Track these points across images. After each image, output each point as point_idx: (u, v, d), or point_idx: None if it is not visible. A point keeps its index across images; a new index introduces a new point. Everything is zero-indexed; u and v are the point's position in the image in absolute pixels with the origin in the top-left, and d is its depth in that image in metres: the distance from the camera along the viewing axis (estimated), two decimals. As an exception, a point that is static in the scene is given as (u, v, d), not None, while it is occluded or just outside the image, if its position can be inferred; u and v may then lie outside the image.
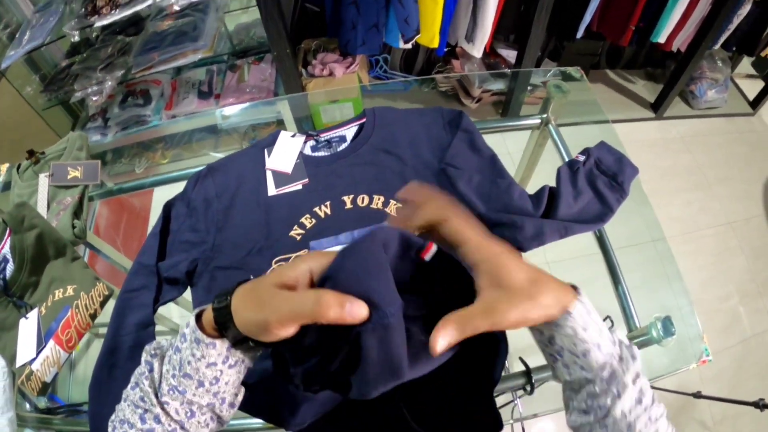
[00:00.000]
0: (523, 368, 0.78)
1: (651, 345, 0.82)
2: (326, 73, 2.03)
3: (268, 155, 0.94)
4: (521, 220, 0.79)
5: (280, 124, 2.24)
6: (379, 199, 0.86)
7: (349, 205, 0.86)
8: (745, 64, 3.00)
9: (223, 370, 0.47)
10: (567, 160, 1.10)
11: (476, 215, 0.80)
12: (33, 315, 0.92)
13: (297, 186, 0.90)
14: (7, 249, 0.95)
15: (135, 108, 2.18)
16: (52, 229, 0.98)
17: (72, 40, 1.76)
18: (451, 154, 0.89)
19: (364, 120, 0.96)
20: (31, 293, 0.94)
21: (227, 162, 0.95)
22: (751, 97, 2.83)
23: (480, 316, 0.45)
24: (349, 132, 0.96)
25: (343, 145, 0.95)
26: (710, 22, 2.13)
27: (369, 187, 0.87)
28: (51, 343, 0.88)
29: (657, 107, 2.65)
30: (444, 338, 0.44)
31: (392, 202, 0.85)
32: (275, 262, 0.81)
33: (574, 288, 0.50)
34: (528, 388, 0.77)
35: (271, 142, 0.96)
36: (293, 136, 0.96)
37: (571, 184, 0.89)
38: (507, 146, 1.88)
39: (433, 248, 0.50)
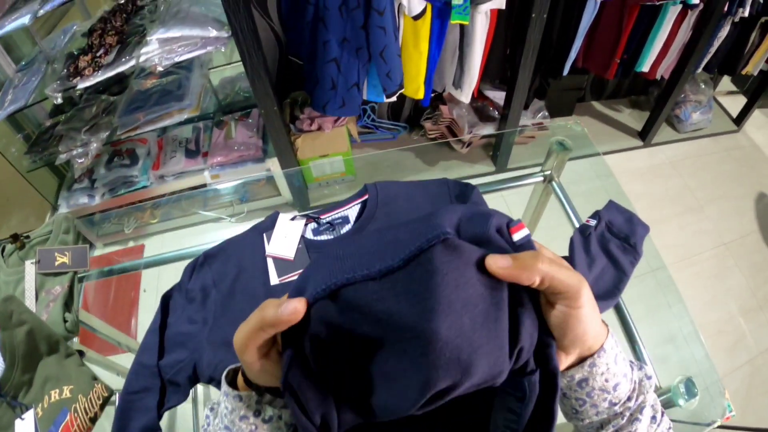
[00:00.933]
0: None
1: (673, 406, 0.79)
2: (315, 128, 2.01)
3: (268, 240, 0.89)
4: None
5: (270, 180, 2.23)
6: None
7: None
8: (726, 81, 3.07)
9: (257, 425, 0.46)
10: (569, 210, 1.09)
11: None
12: (29, 416, 0.86)
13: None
14: None
15: (121, 169, 2.13)
16: (42, 324, 0.93)
17: (55, 102, 1.73)
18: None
19: (366, 197, 0.91)
20: (26, 392, 0.89)
21: (225, 248, 0.90)
22: (735, 113, 2.89)
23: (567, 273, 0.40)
24: (352, 212, 0.91)
25: (347, 227, 0.89)
26: (692, 47, 2.17)
27: None
28: (51, 450, 0.83)
29: (644, 135, 2.68)
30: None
31: None
32: None
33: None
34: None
35: (269, 225, 0.91)
36: (293, 219, 0.90)
37: (585, 251, 0.87)
38: (506, 201, 1.88)
39: (526, 231, 0.41)
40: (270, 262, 0.86)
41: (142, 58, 1.65)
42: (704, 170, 2.67)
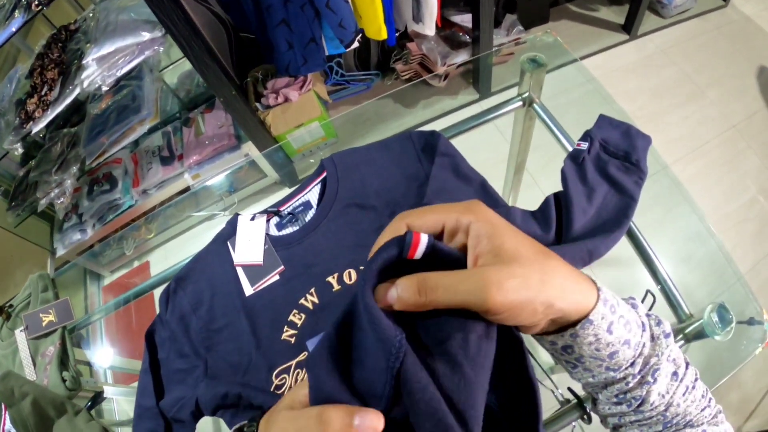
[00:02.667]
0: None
1: (705, 338, 0.71)
2: (281, 101, 1.91)
3: (233, 249, 0.81)
4: None
5: (253, 165, 2.15)
6: None
7: (336, 287, 0.73)
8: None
9: None
10: (557, 133, 0.99)
11: None
12: None
13: (274, 277, 0.77)
14: (9, 425, 0.89)
15: (103, 195, 2.07)
16: (44, 390, 0.91)
17: (16, 153, 1.67)
18: (435, 188, 0.75)
19: (324, 174, 0.82)
20: None
21: (193, 267, 0.83)
22: (720, -14, 2.70)
23: (462, 283, 0.34)
24: (312, 194, 0.82)
25: (310, 213, 0.81)
26: None
27: (352, 259, 0.74)
28: None
29: (628, 27, 2.53)
30: (398, 290, 0.35)
31: None
32: (276, 376, 0.70)
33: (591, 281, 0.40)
34: (585, 418, 0.67)
35: (231, 232, 0.83)
36: (252, 218, 0.82)
37: (580, 181, 0.78)
38: (497, 127, 1.77)
39: (423, 241, 0.36)
40: (240, 271, 0.80)
41: (85, 84, 1.58)
42: (698, 53, 2.53)
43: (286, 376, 0.69)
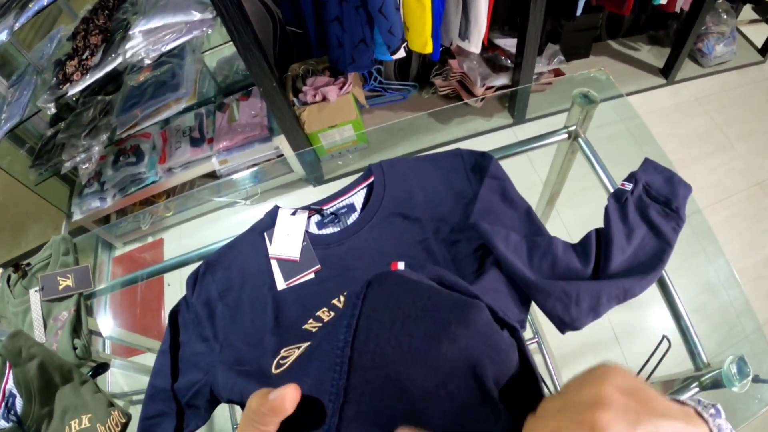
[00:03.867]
0: None
1: (720, 388, 0.70)
2: (319, 99, 1.92)
3: (269, 240, 0.81)
4: (576, 289, 0.67)
5: (281, 159, 2.16)
6: None
7: None
8: (747, 10, 2.85)
9: None
10: (599, 170, 1.00)
11: (522, 283, 0.68)
12: None
13: (309, 275, 0.77)
14: (11, 384, 0.87)
15: (128, 167, 2.08)
16: (53, 355, 0.90)
17: (48, 113, 1.68)
18: (482, 208, 0.75)
19: (371, 179, 0.82)
20: (47, 425, 0.86)
21: (225, 253, 0.82)
22: (759, 43, 2.70)
23: None
24: (357, 198, 0.82)
25: (353, 216, 0.81)
26: (713, -24, 2.00)
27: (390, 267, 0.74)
28: (77, 482, 0.81)
29: (667, 72, 2.52)
30: None
31: None
32: (284, 350, 0.67)
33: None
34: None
35: (269, 224, 0.83)
36: (294, 213, 0.82)
37: (621, 220, 0.78)
38: (531, 160, 1.78)
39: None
40: (274, 265, 0.79)
41: (128, 54, 1.57)
42: (732, 105, 2.51)
43: (294, 350, 0.66)
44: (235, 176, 1.75)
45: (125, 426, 0.86)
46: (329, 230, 0.81)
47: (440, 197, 0.79)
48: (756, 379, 0.73)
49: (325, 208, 0.82)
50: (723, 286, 0.86)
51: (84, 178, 2.10)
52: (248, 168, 2.15)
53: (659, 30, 2.71)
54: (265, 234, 0.82)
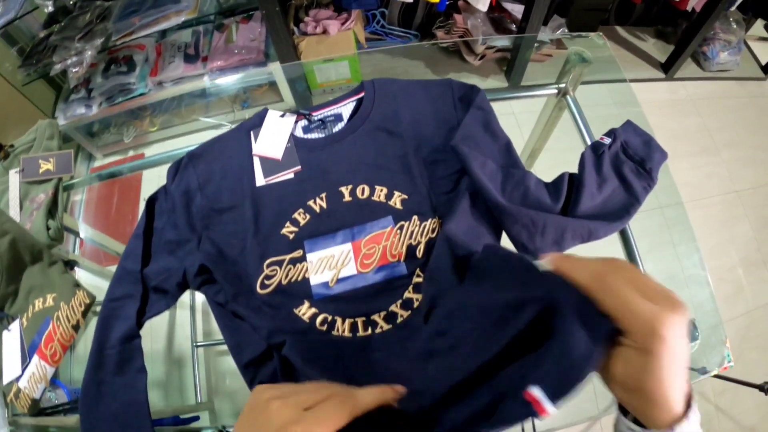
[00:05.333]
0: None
1: None
2: (320, 31, 1.91)
3: (255, 139, 0.83)
4: (543, 219, 0.70)
5: (273, 86, 2.14)
6: (381, 190, 0.75)
7: (347, 197, 0.76)
8: (758, 27, 2.87)
9: None
10: (584, 131, 1.02)
11: (492, 205, 0.71)
12: (15, 327, 0.87)
13: (288, 174, 0.79)
14: None
15: (118, 76, 2.04)
16: (25, 233, 0.91)
17: (45, 10, 1.62)
18: (463, 134, 0.78)
19: (362, 95, 0.84)
20: (11, 303, 0.89)
21: (209, 148, 0.84)
22: (764, 61, 2.71)
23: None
24: (346, 109, 0.84)
25: (339, 125, 0.83)
26: (730, -19, 2.00)
27: (369, 176, 0.77)
28: (35, 358, 0.83)
29: (667, 68, 2.53)
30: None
31: (396, 193, 0.75)
32: (267, 266, 0.72)
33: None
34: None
35: (257, 123, 0.85)
36: (282, 115, 0.84)
37: (596, 170, 0.80)
38: (512, 107, 1.77)
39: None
40: (256, 162, 0.81)
41: None
42: (726, 113, 2.54)
43: (277, 268, 0.72)
44: (224, 83, 1.72)
45: (89, 307, 0.88)
46: (314, 135, 0.84)
47: (425, 119, 0.82)
48: (702, 371, 0.78)
49: (313, 114, 0.84)
50: (687, 281, 0.89)
51: (72, 82, 2.06)
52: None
53: (668, 26, 2.71)
54: (252, 132, 0.84)
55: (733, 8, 2.21)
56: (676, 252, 0.95)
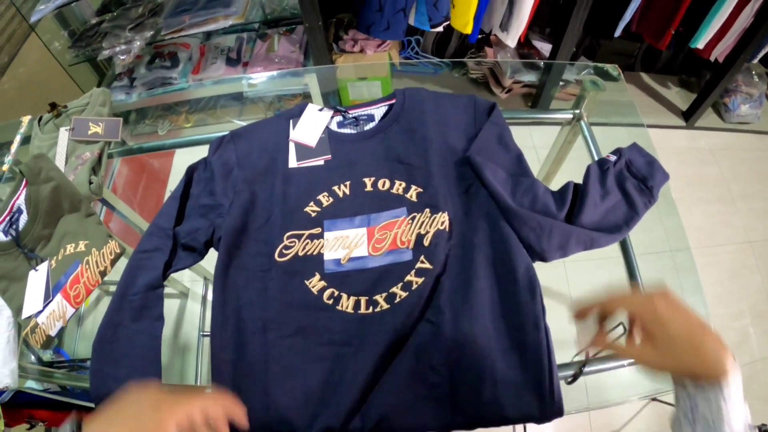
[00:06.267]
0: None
1: None
2: (357, 50, 2.01)
3: (293, 127, 0.93)
4: (549, 224, 0.76)
5: (306, 98, 2.23)
6: (400, 184, 0.84)
7: (369, 187, 0.85)
8: (780, 80, 2.91)
9: None
10: (597, 159, 1.08)
11: (503, 208, 0.78)
12: (43, 267, 0.92)
13: (319, 161, 0.88)
14: (22, 200, 0.95)
15: (162, 70, 2.16)
16: (68, 182, 0.97)
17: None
18: (478, 146, 0.86)
19: (393, 101, 0.95)
20: (43, 246, 0.95)
21: (251, 129, 0.95)
22: (784, 115, 2.75)
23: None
24: (378, 111, 0.95)
25: (371, 125, 0.93)
26: (752, 34, 2.06)
27: (392, 171, 0.86)
28: (59, 297, 0.88)
29: (688, 116, 2.58)
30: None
31: (413, 187, 0.83)
32: (287, 237, 0.80)
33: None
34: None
35: (297, 113, 0.95)
36: (321, 110, 0.94)
37: (600, 182, 0.86)
38: (533, 140, 1.84)
39: None
40: (292, 146, 0.90)
41: None
42: (743, 165, 2.56)
43: (296, 240, 0.80)
44: (256, 80, 1.77)
45: (118, 256, 0.93)
46: (347, 130, 0.94)
47: (448, 126, 0.91)
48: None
49: (349, 111, 0.95)
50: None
51: (117, 69, 2.18)
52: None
53: (691, 76, 2.76)
54: (291, 120, 0.94)
55: (755, 61, 2.26)
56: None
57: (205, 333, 1.57)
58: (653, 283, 0.60)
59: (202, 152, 0.95)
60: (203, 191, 0.88)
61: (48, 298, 0.88)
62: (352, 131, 0.93)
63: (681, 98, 2.70)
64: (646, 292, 0.57)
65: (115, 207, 1.27)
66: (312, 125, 0.92)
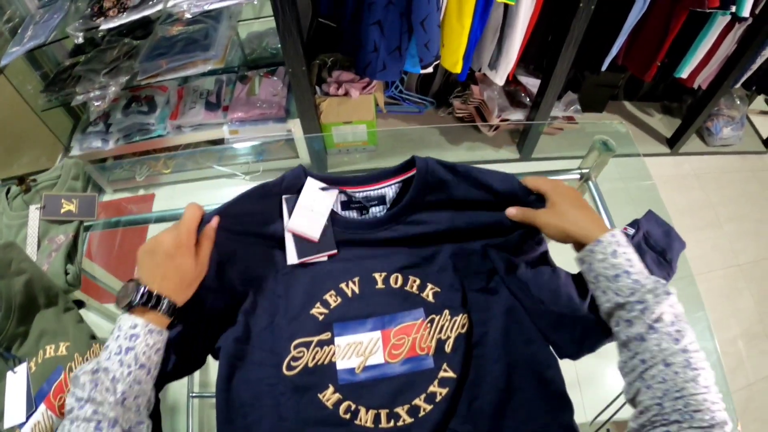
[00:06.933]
0: None
1: None
2: (341, 93, 1.95)
3: (288, 209, 0.78)
4: (588, 332, 0.70)
5: (289, 142, 2.18)
6: (414, 281, 0.75)
7: (380, 284, 0.75)
8: (760, 101, 2.96)
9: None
10: (603, 213, 1.05)
11: (541, 311, 0.73)
12: (22, 370, 0.84)
13: (322, 258, 0.77)
14: None
15: (138, 115, 2.08)
16: (42, 274, 0.89)
17: (76, 41, 1.66)
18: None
19: (412, 173, 0.80)
20: (20, 345, 0.86)
21: (235, 214, 0.75)
22: (765, 134, 2.79)
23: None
24: (391, 190, 0.82)
25: (381, 209, 0.82)
26: (734, 60, 2.08)
27: (404, 266, 0.77)
28: (42, 407, 0.80)
29: (673, 143, 2.60)
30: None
31: (429, 285, 0.75)
32: (294, 347, 0.71)
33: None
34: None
35: (289, 187, 0.79)
36: (324, 188, 0.79)
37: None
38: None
39: None
40: (288, 237, 0.78)
41: (169, 3, 1.56)
42: (728, 187, 2.60)
43: (304, 350, 0.71)
44: (239, 146, 1.73)
45: (104, 362, 0.85)
46: (353, 214, 0.82)
47: (470, 216, 0.79)
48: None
49: (354, 190, 0.82)
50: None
51: (92, 116, 2.09)
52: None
53: (674, 101, 2.79)
54: (284, 200, 0.79)
55: (738, 85, 2.29)
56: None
57: (194, 394, 1.50)
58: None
59: (183, 197, 0.86)
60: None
61: (31, 407, 0.81)
62: (359, 216, 0.82)
63: (664, 125, 2.72)
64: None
65: (95, 276, 1.19)
66: (313, 211, 0.78)
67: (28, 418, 0.80)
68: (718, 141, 2.66)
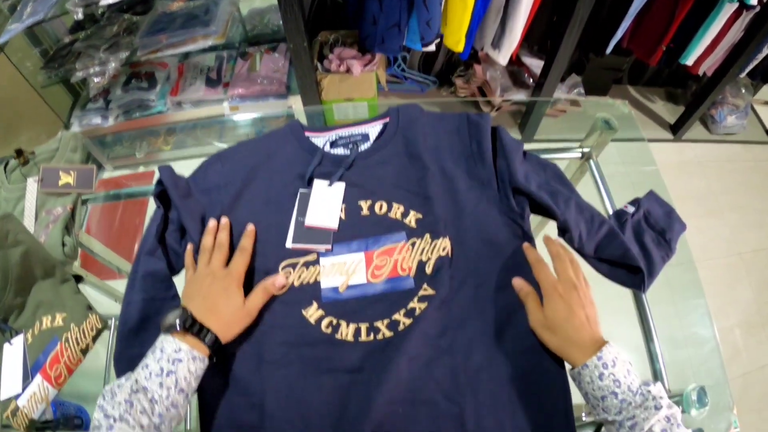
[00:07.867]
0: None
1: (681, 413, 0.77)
2: (343, 69, 1.93)
3: (300, 207, 0.82)
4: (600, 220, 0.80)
5: (289, 118, 2.16)
6: (398, 208, 0.79)
7: (365, 212, 0.80)
8: (765, 91, 2.92)
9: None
10: (603, 192, 1.05)
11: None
12: (18, 341, 0.84)
13: (317, 248, 0.79)
14: None
15: (138, 91, 2.06)
16: (39, 246, 0.89)
17: (75, 17, 1.64)
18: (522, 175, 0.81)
19: (387, 119, 0.89)
20: (16, 316, 0.87)
21: (237, 151, 0.89)
22: (769, 125, 2.77)
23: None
24: (373, 130, 0.89)
25: (365, 145, 0.87)
26: (741, 48, 2.05)
27: (388, 194, 0.81)
28: (38, 378, 0.81)
29: (676, 129, 2.58)
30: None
31: (412, 212, 0.79)
32: (282, 268, 0.76)
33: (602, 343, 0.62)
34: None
35: (287, 133, 0.90)
36: (330, 185, 0.82)
37: (617, 234, 0.82)
38: None
39: None
40: (292, 224, 0.82)
41: None
42: (731, 176, 2.58)
43: (291, 270, 0.76)
44: (238, 118, 1.71)
45: (100, 332, 0.86)
46: (341, 151, 0.87)
47: (443, 151, 0.85)
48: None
49: (342, 130, 0.89)
50: (700, 343, 0.94)
51: (92, 92, 2.06)
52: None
53: (678, 88, 2.76)
54: (300, 193, 0.84)
55: (743, 74, 2.27)
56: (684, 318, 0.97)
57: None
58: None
59: (183, 174, 0.89)
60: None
61: (27, 378, 0.81)
62: (347, 152, 0.87)
63: (668, 111, 2.70)
64: (560, 277, 0.68)
65: (94, 251, 1.18)
66: (327, 205, 0.82)
67: (24, 389, 0.81)
68: (721, 129, 2.63)
